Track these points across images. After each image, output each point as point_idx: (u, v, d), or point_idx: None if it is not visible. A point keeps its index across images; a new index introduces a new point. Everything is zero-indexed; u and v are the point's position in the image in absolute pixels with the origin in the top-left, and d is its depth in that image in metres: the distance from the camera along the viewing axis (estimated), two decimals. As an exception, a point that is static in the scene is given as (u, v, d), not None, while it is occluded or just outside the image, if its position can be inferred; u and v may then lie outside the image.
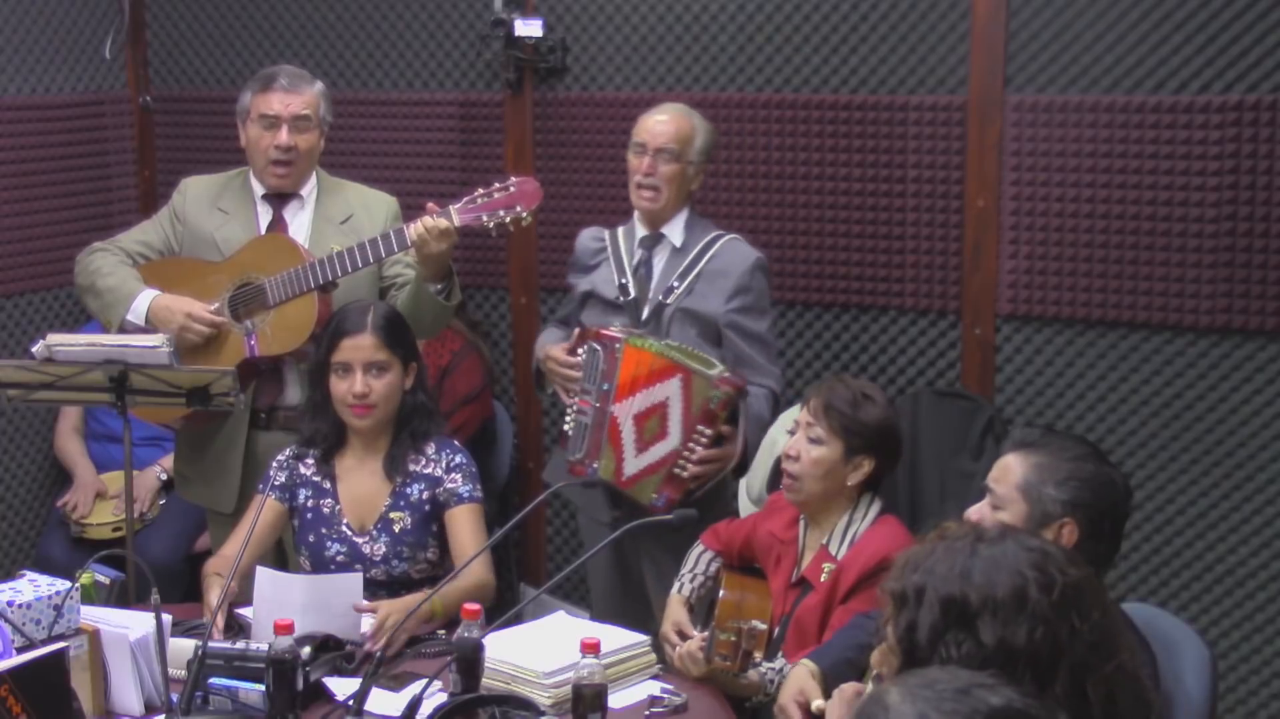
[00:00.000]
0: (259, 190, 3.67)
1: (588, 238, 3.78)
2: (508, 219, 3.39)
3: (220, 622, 2.91)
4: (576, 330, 3.63)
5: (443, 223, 3.35)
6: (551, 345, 3.67)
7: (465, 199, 3.41)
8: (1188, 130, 3.70)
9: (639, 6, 4.31)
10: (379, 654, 2.67)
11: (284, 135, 3.55)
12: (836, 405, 3.03)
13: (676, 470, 3.40)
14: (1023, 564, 1.79)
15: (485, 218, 3.39)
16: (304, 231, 3.63)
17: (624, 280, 3.64)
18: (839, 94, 4.09)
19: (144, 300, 3.53)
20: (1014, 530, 1.89)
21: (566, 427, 3.59)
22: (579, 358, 3.54)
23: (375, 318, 3.23)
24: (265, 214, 3.65)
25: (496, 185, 3.42)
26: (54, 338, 3.33)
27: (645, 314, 3.61)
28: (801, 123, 4.13)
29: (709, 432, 3.38)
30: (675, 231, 3.64)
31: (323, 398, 3.27)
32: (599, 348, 3.50)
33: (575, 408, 3.55)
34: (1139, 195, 3.78)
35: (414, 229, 3.35)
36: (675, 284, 3.59)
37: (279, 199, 3.65)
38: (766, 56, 4.16)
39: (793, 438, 3.10)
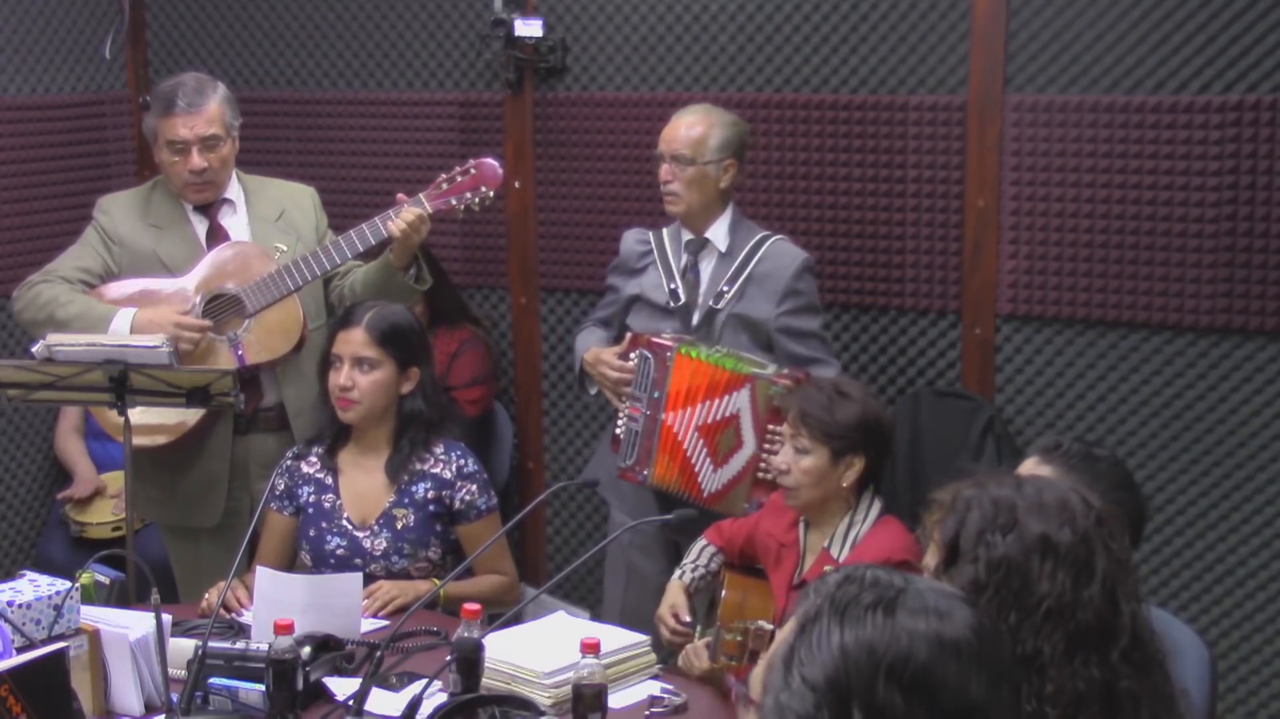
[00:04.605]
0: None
1: (633, 240, 3.76)
2: (475, 200, 3.50)
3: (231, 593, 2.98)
4: (629, 336, 3.62)
5: (419, 211, 3.44)
6: (600, 349, 3.66)
7: (431, 186, 3.51)
8: (1188, 130, 3.70)
9: (639, 6, 4.31)
10: (379, 654, 2.67)
11: (195, 159, 3.51)
12: (812, 412, 3.02)
13: (760, 474, 3.39)
14: (1066, 488, 1.94)
15: (455, 201, 3.50)
16: (244, 234, 3.62)
17: (674, 286, 3.63)
18: (839, 94, 4.08)
19: (123, 320, 3.45)
20: None
21: (618, 430, 3.60)
22: (631, 363, 3.55)
23: (373, 316, 3.25)
24: (200, 224, 3.62)
25: (458, 169, 3.51)
26: (54, 338, 3.32)
27: (696, 320, 3.60)
28: (801, 123, 4.13)
29: (780, 428, 3.34)
30: (719, 235, 3.63)
31: (326, 390, 3.29)
32: (650, 356, 3.50)
33: (626, 413, 3.56)
34: (1139, 195, 3.78)
35: (396, 225, 3.42)
36: (725, 289, 3.58)
37: (210, 206, 3.63)
38: (766, 56, 4.16)
39: (781, 451, 3.10)
